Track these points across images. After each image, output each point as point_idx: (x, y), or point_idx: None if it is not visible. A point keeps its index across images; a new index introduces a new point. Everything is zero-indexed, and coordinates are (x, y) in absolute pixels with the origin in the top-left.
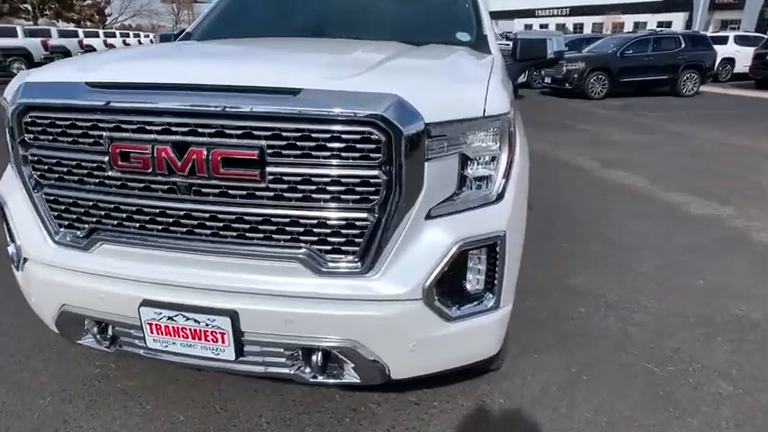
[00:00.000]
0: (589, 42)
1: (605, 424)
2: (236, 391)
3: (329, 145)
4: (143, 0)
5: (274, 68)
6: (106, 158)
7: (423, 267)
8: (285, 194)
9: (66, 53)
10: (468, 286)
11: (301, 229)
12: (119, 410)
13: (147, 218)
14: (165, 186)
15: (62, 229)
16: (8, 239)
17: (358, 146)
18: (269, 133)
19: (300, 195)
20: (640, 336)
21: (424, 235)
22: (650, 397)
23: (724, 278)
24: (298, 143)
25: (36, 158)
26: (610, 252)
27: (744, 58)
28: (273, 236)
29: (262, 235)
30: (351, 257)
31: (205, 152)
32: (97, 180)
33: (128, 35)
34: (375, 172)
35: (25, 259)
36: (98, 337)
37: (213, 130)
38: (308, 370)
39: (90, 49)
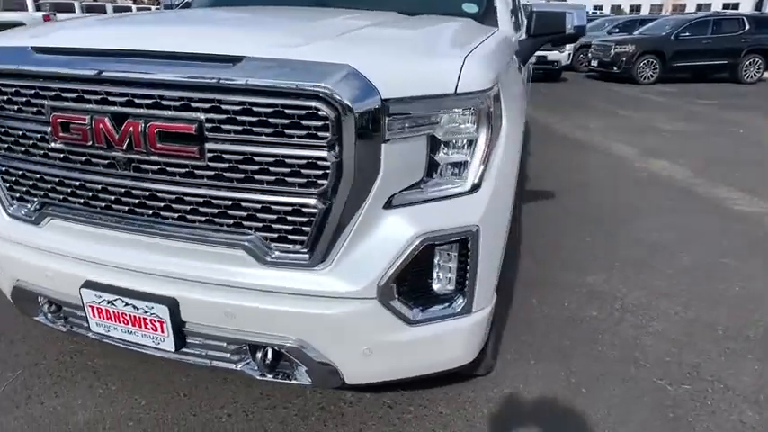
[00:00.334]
0: (642, 24)
1: None
2: (205, 378)
3: (272, 121)
4: None
5: (219, 35)
6: (48, 129)
7: (378, 263)
8: (226, 174)
9: None
10: (436, 286)
11: (244, 214)
12: (83, 389)
13: (90, 194)
14: (106, 161)
15: (15, 202)
16: None
17: (303, 123)
18: (207, 106)
19: (242, 176)
20: (656, 346)
21: (381, 226)
22: (657, 420)
23: (766, 287)
24: (238, 117)
25: None
26: (636, 250)
27: None
28: (215, 219)
29: (203, 218)
30: (298, 247)
31: (142, 125)
32: (42, 152)
33: None
34: (323, 153)
35: None
36: (49, 315)
37: (150, 102)
38: (256, 367)
39: None
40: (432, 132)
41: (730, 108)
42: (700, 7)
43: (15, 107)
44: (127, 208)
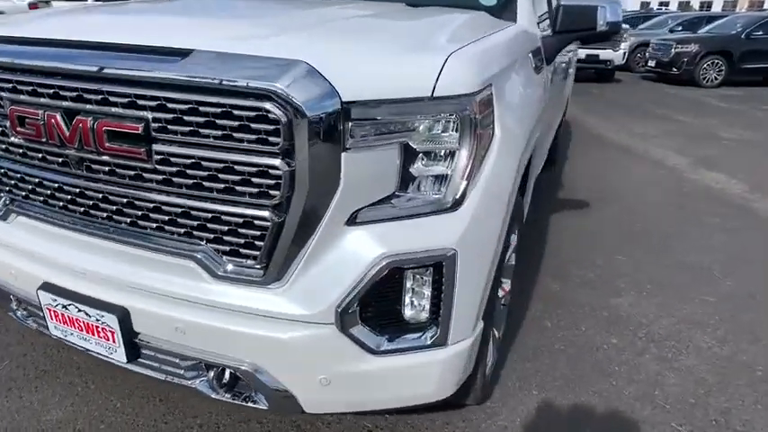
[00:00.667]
0: (710, 21)
1: None
2: None
3: (220, 122)
4: None
5: (173, 26)
6: (8, 123)
7: (337, 285)
8: (174, 179)
9: None
10: (407, 314)
11: (195, 223)
12: (63, 386)
13: (49, 192)
14: (59, 159)
15: None
16: None
17: (253, 126)
18: (154, 104)
19: (191, 182)
20: (680, 385)
21: (342, 244)
22: None
23: None
24: (185, 118)
25: None
26: (673, 271)
27: None
28: (166, 227)
29: (154, 224)
30: (251, 262)
31: (91, 122)
32: (4, 146)
33: None
34: (275, 161)
35: None
36: (19, 313)
37: (99, 98)
38: (210, 387)
39: None
40: (406, 141)
41: None
42: None
43: None
44: (83, 209)
